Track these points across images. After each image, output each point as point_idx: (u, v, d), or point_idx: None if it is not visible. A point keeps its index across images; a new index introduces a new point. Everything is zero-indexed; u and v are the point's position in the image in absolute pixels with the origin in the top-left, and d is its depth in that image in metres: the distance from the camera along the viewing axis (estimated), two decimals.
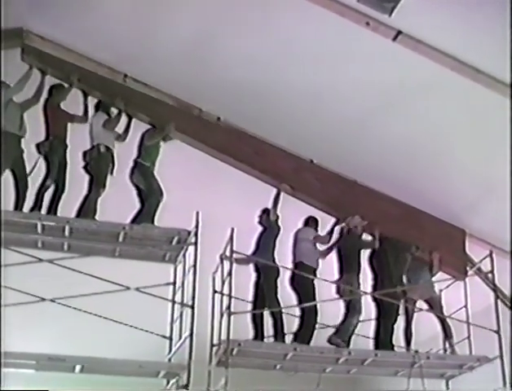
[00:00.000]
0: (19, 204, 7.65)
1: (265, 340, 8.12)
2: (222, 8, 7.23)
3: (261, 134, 8.55)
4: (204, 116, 8.51)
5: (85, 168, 8.01)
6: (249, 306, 8.19)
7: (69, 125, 8.10)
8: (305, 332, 8.10)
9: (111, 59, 8.24)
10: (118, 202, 7.98)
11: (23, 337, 8.62)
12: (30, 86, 7.96)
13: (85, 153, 8.02)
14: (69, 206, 7.79)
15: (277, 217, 8.49)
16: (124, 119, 8.34)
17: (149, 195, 7.96)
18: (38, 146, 7.92)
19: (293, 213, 8.69)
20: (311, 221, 8.69)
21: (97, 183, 7.87)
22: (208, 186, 8.58)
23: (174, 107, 8.41)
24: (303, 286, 8.17)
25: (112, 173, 8.02)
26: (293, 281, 8.27)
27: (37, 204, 7.70)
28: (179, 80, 8.16)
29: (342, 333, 8.20)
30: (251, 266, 8.36)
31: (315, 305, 8.20)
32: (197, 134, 8.36)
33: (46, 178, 7.77)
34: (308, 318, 8.14)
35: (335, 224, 8.70)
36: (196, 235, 7.65)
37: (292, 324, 8.23)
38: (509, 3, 5.82)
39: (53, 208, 7.73)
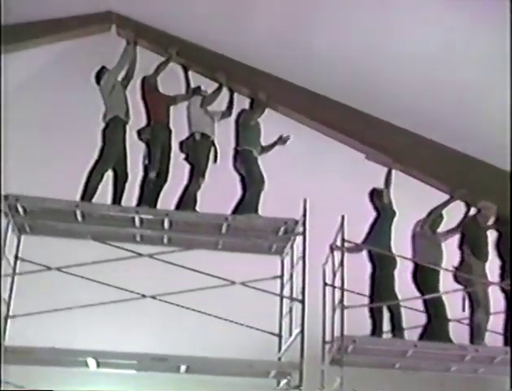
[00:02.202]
0: (117, 197, 7.68)
1: (383, 336, 7.91)
2: None
3: (370, 111, 8.37)
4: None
5: (186, 159, 7.98)
6: (364, 299, 7.97)
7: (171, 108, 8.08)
8: (436, 328, 7.83)
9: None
10: (221, 191, 7.92)
11: (123, 336, 8.79)
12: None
13: (181, 143, 7.99)
14: (169, 197, 7.78)
15: (390, 199, 8.22)
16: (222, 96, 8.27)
17: (251, 182, 7.85)
18: (139, 132, 7.91)
19: (408, 194, 8.46)
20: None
21: (196, 173, 7.81)
22: (314, 170, 8.44)
23: (278, 79, 8.29)
24: (427, 281, 7.90)
25: (215, 160, 7.97)
26: (416, 274, 8.06)
27: (141, 199, 7.68)
28: (279, 54, 8.13)
29: (475, 333, 7.90)
30: (365, 255, 8.14)
31: (441, 298, 7.94)
32: (303, 108, 8.27)
33: (148, 169, 7.78)
34: (437, 312, 7.87)
35: (464, 218, 8.40)
36: (304, 224, 7.50)
37: (411, 318, 7.99)
38: None
39: (152, 199, 7.70)
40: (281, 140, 8.26)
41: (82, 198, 7.54)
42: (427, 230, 8.15)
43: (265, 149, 8.22)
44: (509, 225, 8.25)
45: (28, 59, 7.98)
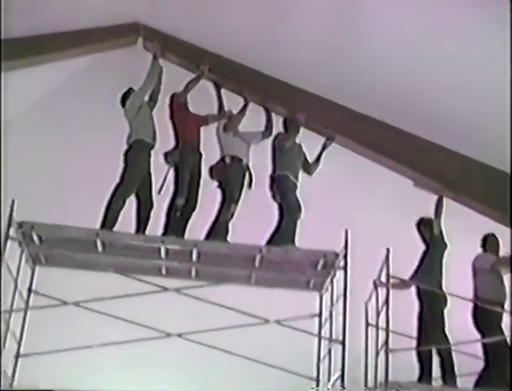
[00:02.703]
0: (141, 226, 7.19)
1: (432, 383, 7.24)
2: None
3: (418, 133, 7.75)
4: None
5: (218, 186, 7.50)
6: (411, 342, 7.31)
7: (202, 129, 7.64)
8: (494, 374, 7.07)
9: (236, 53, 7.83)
10: (255, 220, 7.45)
11: (146, 377, 8.28)
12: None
13: (211, 168, 7.51)
14: (198, 227, 7.31)
15: (441, 230, 7.60)
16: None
17: (287, 210, 7.30)
18: (166, 155, 7.45)
19: (460, 224, 7.79)
20: (489, 243, 7.61)
21: (228, 200, 7.30)
22: (356, 198, 7.86)
23: (318, 97, 7.74)
24: (487, 321, 7.24)
25: (250, 186, 7.44)
26: (476, 315, 7.39)
27: (168, 228, 7.21)
28: (319, 71, 7.62)
29: None
30: (412, 292, 7.48)
31: (505, 342, 7.21)
32: (344, 129, 7.71)
33: (176, 194, 7.30)
34: (497, 357, 7.11)
35: None
36: (345, 257, 6.96)
37: (466, 364, 7.36)
38: None
39: (179, 229, 7.21)
40: (325, 146, 7.77)
41: (103, 226, 7.05)
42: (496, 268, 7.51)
43: (311, 167, 7.72)
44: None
45: (44, 76, 7.55)
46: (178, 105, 7.59)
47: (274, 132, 7.84)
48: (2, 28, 6.85)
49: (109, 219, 7.08)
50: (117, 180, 7.25)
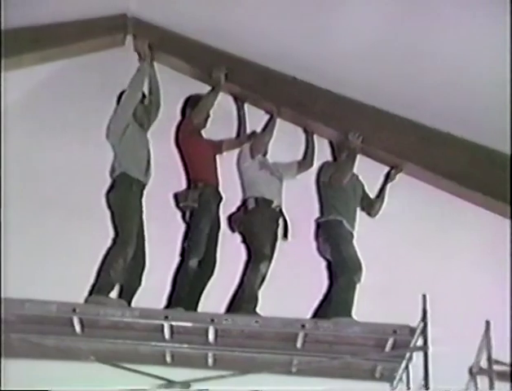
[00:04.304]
0: (126, 295, 5.50)
1: None
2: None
3: None
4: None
5: (243, 240, 5.79)
6: None
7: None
8: None
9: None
10: (295, 284, 5.70)
11: None
12: None
13: (230, 217, 5.81)
14: (215, 295, 5.61)
15: None
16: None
17: (341, 270, 5.53)
18: (177, 197, 5.71)
19: None
20: None
21: (255, 258, 5.58)
22: (434, 249, 5.98)
23: (379, 111, 5.96)
24: None
25: (285, 237, 5.71)
26: None
27: (174, 298, 5.49)
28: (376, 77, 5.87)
29: None
30: None
31: None
32: (416, 155, 5.93)
33: (187, 253, 5.60)
34: None
35: None
36: (424, 333, 5.20)
37: None
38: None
39: (190, 299, 5.50)
40: (389, 178, 6.09)
41: (90, 294, 5.35)
42: None
43: (374, 206, 6.04)
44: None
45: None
46: (191, 130, 5.84)
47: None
48: None
49: (104, 283, 5.35)
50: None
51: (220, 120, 5.97)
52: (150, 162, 5.75)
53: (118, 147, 5.64)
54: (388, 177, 6.08)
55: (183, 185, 5.83)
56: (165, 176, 5.81)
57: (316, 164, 6.08)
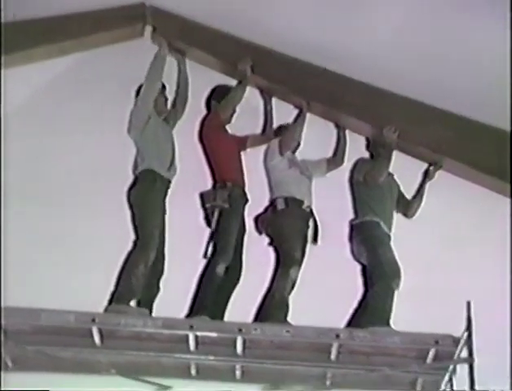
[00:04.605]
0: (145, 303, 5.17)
1: None
2: None
3: None
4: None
5: (271, 243, 5.39)
6: None
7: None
8: None
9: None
10: (327, 290, 5.32)
11: None
12: None
13: (257, 218, 5.43)
14: (242, 303, 5.22)
15: None
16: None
17: (379, 276, 5.15)
18: (203, 196, 5.35)
19: None
20: None
21: (284, 263, 5.21)
22: (474, 252, 5.59)
23: (419, 104, 5.52)
24: None
25: (315, 240, 5.32)
26: None
27: (198, 306, 5.11)
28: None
29: None
30: None
31: None
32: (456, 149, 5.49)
33: (214, 257, 5.22)
34: None
35: None
36: (469, 343, 4.83)
37: None
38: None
39: (217, 308, 5.15)
40: (428, 176, 5.67)
41: (111, 301, 5.00)
42: None
43: (411, 206, 5.63)
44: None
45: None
46: (217, 124, 5.47)
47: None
48: None
49: (124, 293, 5.00)
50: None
51: (245, 115, 5.59)
52: (174, 157, 5.38)
53: (140, 142, 5.29)
54: (427, 175, 5.70)
55: (207, 184, 5.43)
56: (188, 174, 5.43)
57: (348, 162, 5.71)
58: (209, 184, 5.42)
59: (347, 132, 5.74)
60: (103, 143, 5.57)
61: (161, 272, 5.22)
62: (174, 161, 5.37)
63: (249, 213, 5.43)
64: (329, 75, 5.57)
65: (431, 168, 5.65)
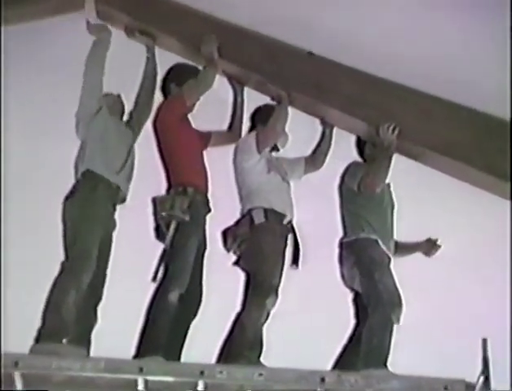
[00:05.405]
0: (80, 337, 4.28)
1: None
2: None
3: None
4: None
5: (235, 263, 4.53)
6: None
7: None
8: None
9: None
10: (307, 323, 4.61)
11: None
12: None
13: (226, 233, 4.54)
14: (204, 339, 4.40)
15: None
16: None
17: (374, 305, 4.29)
18: (156, 203, 4.45)
19: None
20: None
21: (257, 290, 4.33)
22: (488, 278, 4.88)
23: (421, 95, 4.72)
24: None
25: (295, 263, 4.44)
26: None
27: (147, 345, 4.23)
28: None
29: None
30: None
31: None
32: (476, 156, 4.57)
33: (166, 281, 4.32)
34: None
35: None
36: (486, 389, 4.03)
37: None
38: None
39: (172, 345, 4.29)
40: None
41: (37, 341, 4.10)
42: None
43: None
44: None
45: None
46: (180, 114, 4.57)
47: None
48: None
49: (54, 325, 4.11)
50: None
51: (208, 107, 4.73)
52: (129, 162, 4.52)
53: (85, 140, 4.46)
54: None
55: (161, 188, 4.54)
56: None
57: (338, 166, 4.90)
58: (162, 188, 4.53)
59: (335, 130, 4.96)
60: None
61: (99, 298, 4.35)
62: (126, 166, 4.48)
63: (210, 225, 4.55)
64: (315, 60, 4.77)
65: None
